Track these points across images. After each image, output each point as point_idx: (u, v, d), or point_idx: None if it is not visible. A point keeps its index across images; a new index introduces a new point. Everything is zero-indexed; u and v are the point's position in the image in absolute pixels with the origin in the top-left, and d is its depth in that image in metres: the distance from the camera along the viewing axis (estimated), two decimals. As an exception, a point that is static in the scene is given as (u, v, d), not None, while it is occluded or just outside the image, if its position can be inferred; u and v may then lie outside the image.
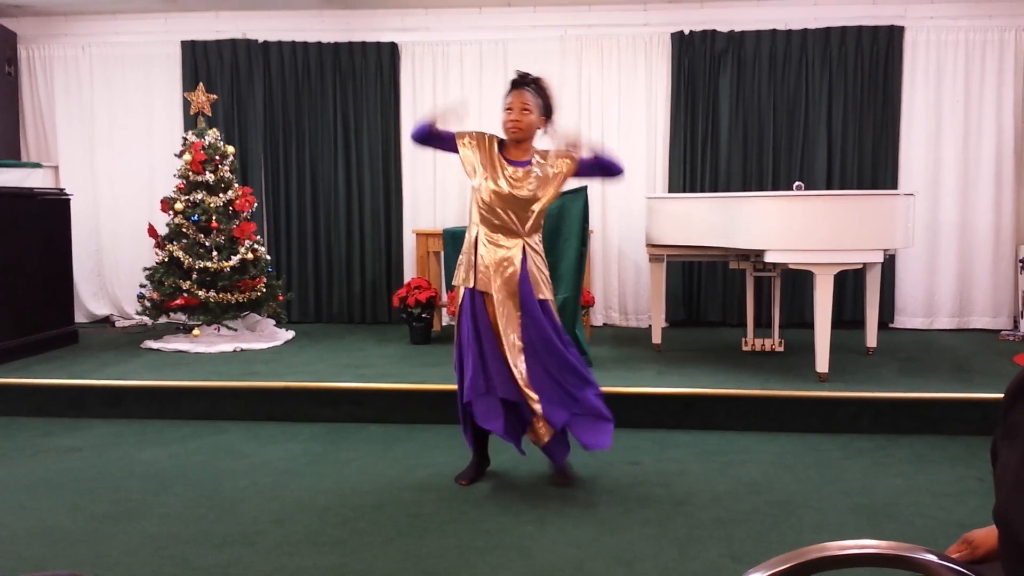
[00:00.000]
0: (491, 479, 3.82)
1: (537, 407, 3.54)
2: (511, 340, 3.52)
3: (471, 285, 3.58)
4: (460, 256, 3.69)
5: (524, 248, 3.58)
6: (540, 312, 3.56)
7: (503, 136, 3.62)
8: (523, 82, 3.56)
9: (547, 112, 3.61)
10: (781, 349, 5.78)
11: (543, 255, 3.70)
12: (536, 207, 3.57)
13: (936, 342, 6.40)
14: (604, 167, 3.66)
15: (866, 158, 6.93)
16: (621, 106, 7.11)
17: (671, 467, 4.02)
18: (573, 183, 6.02)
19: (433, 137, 3.61)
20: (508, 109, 3.54)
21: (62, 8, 7.20)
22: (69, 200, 6.46)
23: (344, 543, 3.15)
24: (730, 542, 3.14)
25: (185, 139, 6.40)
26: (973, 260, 6.93)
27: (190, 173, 6.24)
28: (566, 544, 3.13)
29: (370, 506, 3.52)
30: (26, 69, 7.47)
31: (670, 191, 7.00)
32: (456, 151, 3.61)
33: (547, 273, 3.69)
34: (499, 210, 3.54)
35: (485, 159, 3.56)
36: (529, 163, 3.57)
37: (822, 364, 4.94)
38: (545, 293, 3.62)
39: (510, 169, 3.54)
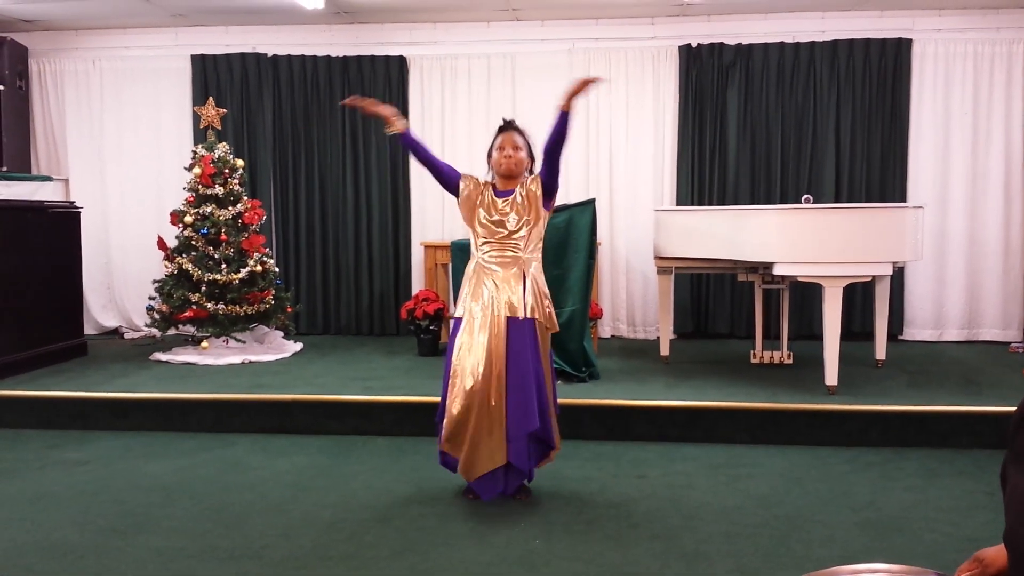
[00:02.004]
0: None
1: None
2: (497, 369, 3.57)
3: (461, 314, 3.69)
4: (461, 287, 3.80)
5: (524, 276, 3.66)
6: (526, 333, 3.61)
7: (492, 178, 3.84)
8: (509, 126, 3.81)
9: (530, 154, 3.82)
10: (790, 361, 5.76)
11: (543, 282, 3.78)
12: (525, 230, 3.68)
13: (945, 354, 6.37)
14: (555, 138, 3.68)
15: (874, 171, 6.92)
16: (629, 119, 7.12)
17: (678, 481, 4.00)
18: (580, 195, 6.01)
19: (432, 163, 3.79)
20: (500, 148, 3.76)
21: (73, 23, 7.26)
22: (79, 213, 6.49)
23: (351, 557, 3.14)
24: (738, 557, 3.12)
25: (195, 152, 6.44)
26: (982, 272, 6.90)
27: (199, 186, 6.27)
28: (573, 559, 3.12)
29: (377, 520, 3.51)
30: (37, 83, 7.53)
31: (678, 204, 7.00)
32: (453, 189, 3.80)
33: (548, 299, 3.76)
34: (494, 240, 3.69)
35: (480, 199, 3.74)
36: (513, 191, 3.73)
37: (831, 377, 4.92)
38: (537, 313, 3.65)
39: (499, 202, 3.71)
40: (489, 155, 3.84)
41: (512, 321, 3.59)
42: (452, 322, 3.77)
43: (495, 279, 3.65)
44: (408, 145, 3.82)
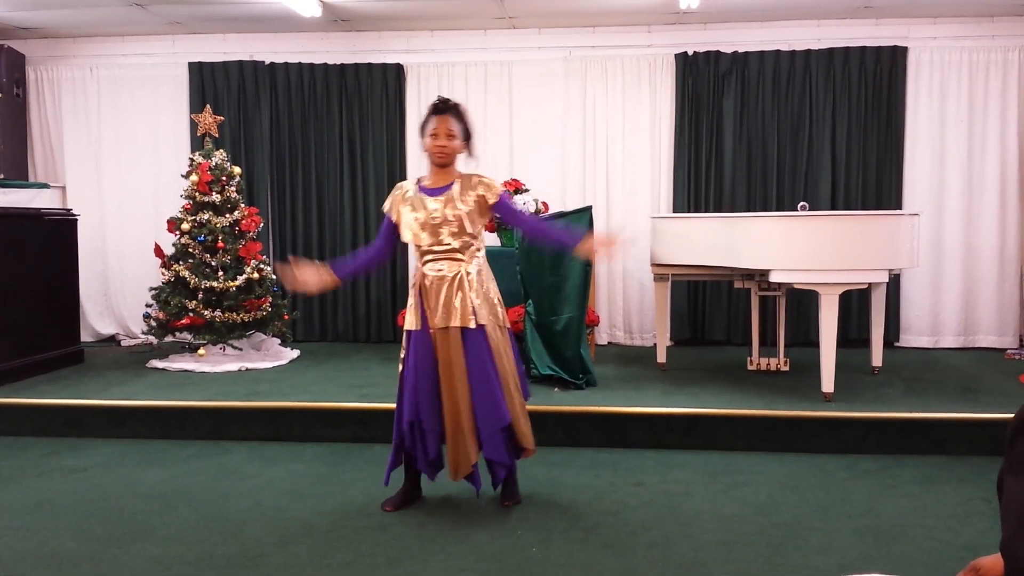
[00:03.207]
0: (495, 501, 3.80)
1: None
2: (455, 373, 3.51)
3: (416, 327, 3.59)
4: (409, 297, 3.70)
5: (462, 276, 3.55)
6: (479, 339, 3.55)
7: (426, 166, 3.67)
8: (445, 108, 3.58)
9: (467, 136, 3.64)
10: (786, 368, 5.77)
11: (488, 278, 3.67)
12: (459, 226, 3.53)
13: (942, 361, 6.39)
14: (543, 236, 3.65)
15: (870, 178, 6.94)
16: (625, 127, 7.14)
17: (676, 488, 4.00)
18: (576, 203, 6.02)
19: (375, 255, 3.76)
20: (433, 135, 3.55)
21: (70, 30, 7.27)
22: (76, 220, 6.49)
23: (348, 565, 3.14)
24: (736, 565, 3.12)
25: (192, 160, 6.44)
26: (978, 279, 6.92)
27: (196, 193, 6.27)
28: (570, 567, 3.11)
29: (374, 528, 3.51)
30: (34, 90, 7.53)
31: (674, 211, 7.02)
32: (394, 229, 3.67)
33: (496, 296, 3.67)
34: (430, 239, 3.55)
35: (407, 207, 3.59)
36: (449, 187, 3.57)
37: (827, 384, 4.92)
38: (486, 318, 3.57)
39: (429, 200, 3.55)
40: (421, 136, 3.64)
41: (465, 331, 3.52)
42: (405, 333, 3.66)
43: (439, 288, 3.53)
44: (350, 273, 3.79)
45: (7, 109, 7.07)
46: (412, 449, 3.65)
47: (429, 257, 3.59)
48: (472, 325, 3.52)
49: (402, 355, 3.68)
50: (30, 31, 7.23)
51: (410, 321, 3.63)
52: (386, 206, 3.72)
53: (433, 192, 3.58)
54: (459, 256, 3.57)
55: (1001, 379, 5.67)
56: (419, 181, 3.67)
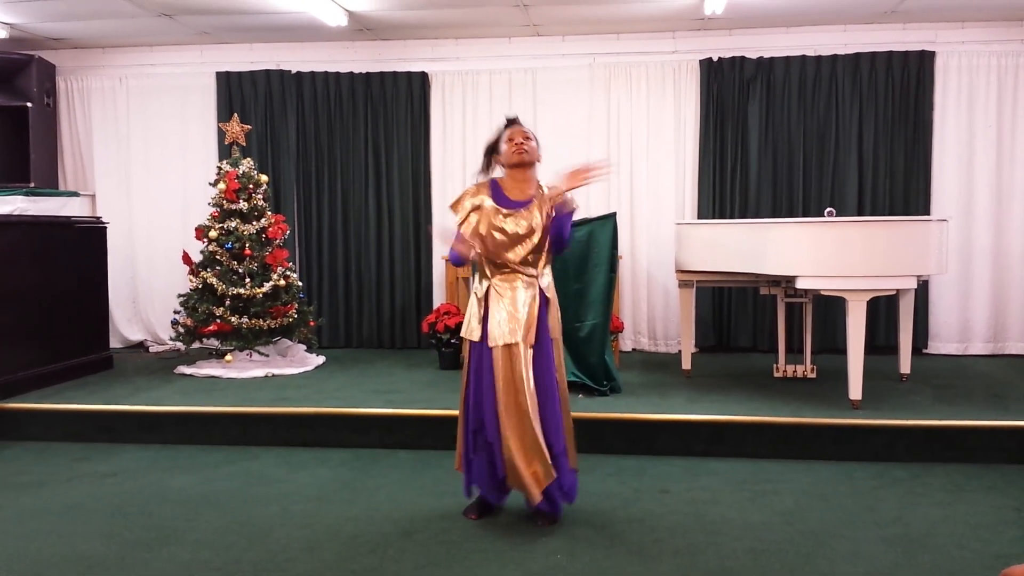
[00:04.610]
0: (521, 508, 3.79)
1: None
2: (521, 387, 3.47)
3: (477, 338, 3.56)
4: (469, 308, 3.67)
5: (538, 294, 3.57)
6: (549, 352, 3.57)
7: (503, 171, 3.66)
8: (514, 119, 3.69)
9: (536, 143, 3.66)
10: (813, 375, 5.72)
11: (555, 294, 3.69)
12: (538, 240, 3.54)
13: (971, 368, 6.31)
14: (559, 228, 3.60)
15: (898, 184, 6.88)
16: (650, 133, 7.13)
17: (702, 496, 3.98)
18: (601, 209, 6.00)
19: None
20: (510, 139, 3.60)
21: (100, 41, 7.37)
22: (105, 228, 6.57)
23: (374, 571, 3.15)
24: (763, 573, 3.10)
25: (219, 168, 6.50)
26: (1008, 285, 6.84)
27: (224, 201, 6.33)
28: (596, 574, 3.10)
29: (399, 533, 3.52)
30: (64, 100, 7.64)
31: (699, 217, 6.99)
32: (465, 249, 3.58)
33: (558, 314, 3.69)
34: (507, 253, 3.54)
35: (484, 219, 3.55)
36: (529, 203, 3.56)
37: (855, 391, 4.88)
38: (556, 332, 3.64)
39: (509, 217, 3.53)
40: (490, 152, 3.69)
41: (537, 345, 3.52)
42: (468, 344, 3.63)
43: (511, 302, 3.52)
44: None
45: (38, 119, 7.18)
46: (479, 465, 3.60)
47: (505, 271, 3.58)
48: (547, 338, 3.55)
49: (465, 367, 3.65)
50: (60, 42, 7.34)
51: (473, 331, 3.59)
52: (459, 214, 3.62)
53: (513, 205, 3.57)
54: (532, 272, 3.58)
55: (1032, 387, 5.60)
56: (494, 188, 3.62)
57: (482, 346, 3.55)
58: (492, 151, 3.71)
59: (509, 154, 3.60)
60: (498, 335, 3.50)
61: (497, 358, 3.49)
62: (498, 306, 3.54)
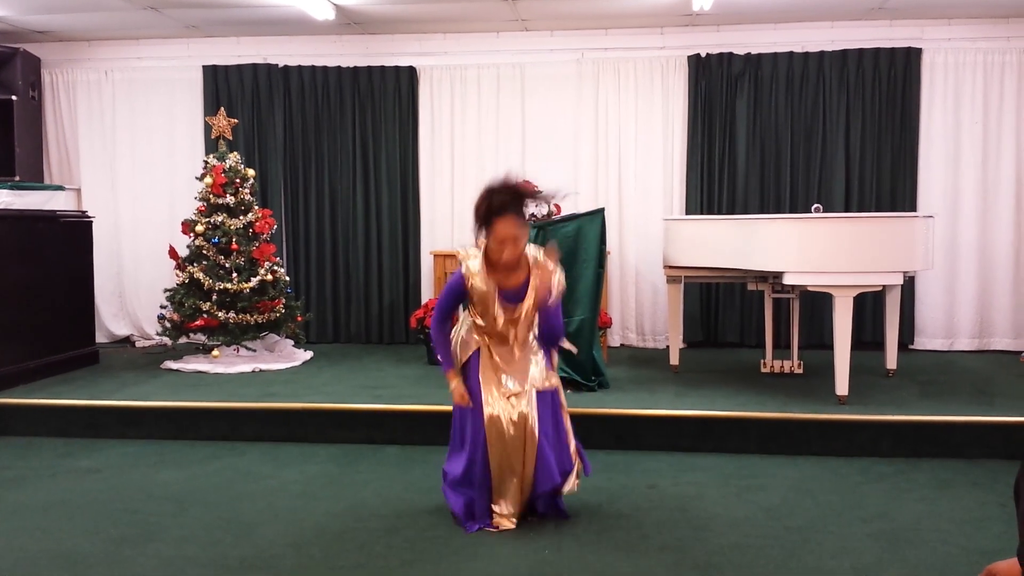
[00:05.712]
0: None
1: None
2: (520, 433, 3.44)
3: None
4: (455, 337, 3.59)
5: (531, 351, 3.55)
6: (547, 402, 3.52)
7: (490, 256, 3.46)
8: (504, 208, 3.30)
9: (526, 221, 3.48)
10: (800, 371, 5.74)
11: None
12: (533, 319, 3.53)
13: (956, 364, 6.35)
14: (551, 329, 3.55)
15: (884, 180, 6.91)
16: (638, 129, 7.13)
17: (689, 491, 3.99)
18: (589, 205, 6.01)
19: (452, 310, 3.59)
20: (501, 241, 3.32)
21: (85, 34, 7.31)
22: (91, 222, 6.53)
23: (361, 567, 3.14)
24: (749, 568, 3.11)
25: (206, 162, 6.47)
26: (993, 281, 6.88)
27: (211, 196, 6.30)
28: (583, 570, 3.11)
29: (387, 530, 3.52)
30: (49, 93, 7.58)
31: (687, 213, 7.00)
32: (464, 294, 3.52)
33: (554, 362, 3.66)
34: (504, 330, 3.50)
35: (481, 302, 3.48)
36: (525, 289, 3.46)
37: (842, 387, 4.91)
38: (554, 380, 3.58)
39: (507, 307, 3.47)
40: (480, 227, 3.38)
41: (538, 394, 3.49)
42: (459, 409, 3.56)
43: (507, 366, 3.50)
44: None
45: (23, 112, 7.12)
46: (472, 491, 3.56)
47: (498, 340, 3.54)
48: (548, 386, 3.52)
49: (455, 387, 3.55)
50: (45, 34, 7.29)
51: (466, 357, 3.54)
52: (457, 284, 3.49)
53: (512, 298, 3.46)
54: (528, 339, 3.56)
55: (1016, 382, 5.63)
56: (488, 270, 3.45)
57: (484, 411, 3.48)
58: (483, 222, 3.37)
59: (499, 257, 3.38)
60: (501, 408, 3.45)
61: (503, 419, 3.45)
62: (497, 368, 3.50)
